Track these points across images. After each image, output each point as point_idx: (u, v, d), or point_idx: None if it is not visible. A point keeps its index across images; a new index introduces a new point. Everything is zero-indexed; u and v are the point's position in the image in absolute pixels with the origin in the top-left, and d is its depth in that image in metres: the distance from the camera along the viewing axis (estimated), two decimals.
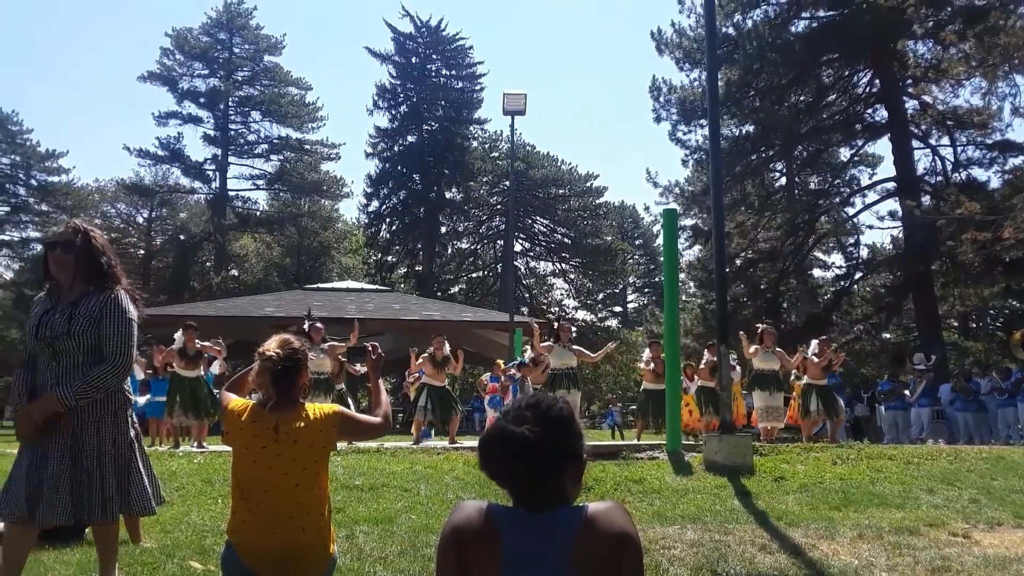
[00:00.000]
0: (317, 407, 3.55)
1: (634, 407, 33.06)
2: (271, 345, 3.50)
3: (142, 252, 50.19)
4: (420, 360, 11.49)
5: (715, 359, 12.69)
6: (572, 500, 1.90)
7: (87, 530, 4.89)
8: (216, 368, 13.31)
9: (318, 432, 3.46)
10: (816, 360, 11.28)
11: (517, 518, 1.84)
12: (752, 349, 11.53)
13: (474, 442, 10.73)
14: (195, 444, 11.02)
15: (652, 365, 11.93)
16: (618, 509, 1.85)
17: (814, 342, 11.62)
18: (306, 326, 10.51)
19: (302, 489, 3.38)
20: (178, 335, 10.81)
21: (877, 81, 25.01)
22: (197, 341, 10.80)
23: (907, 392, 16.05)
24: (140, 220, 50.72)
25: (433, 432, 12.96)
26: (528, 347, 13.94)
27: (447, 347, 11.31)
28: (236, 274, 47.98)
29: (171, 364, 10.96)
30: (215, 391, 12.65)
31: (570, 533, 1.79)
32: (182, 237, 48.05)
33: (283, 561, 3.32)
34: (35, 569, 3.91)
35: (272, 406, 3.42)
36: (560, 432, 1.86)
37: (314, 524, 3.40)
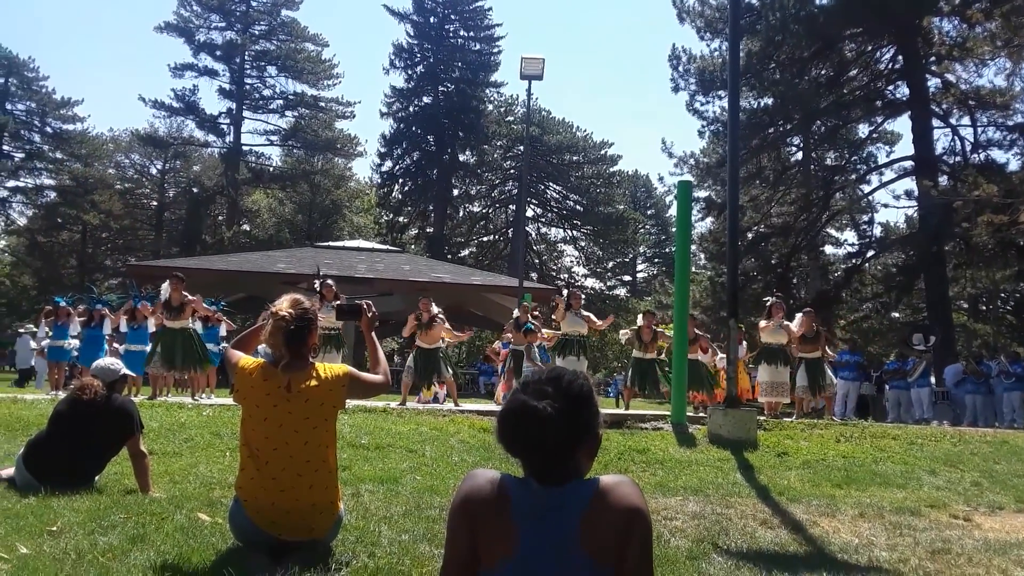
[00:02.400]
0: (328, 367, 3.58)
1: None
2: (283, 305, 3.52)
3: (155, 204, 50.23)
4: (410, 322, 11.24)
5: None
6: (584, 473, 1.91)
7: (96, 477, 4.97)
8: (223, 329, 13.35)
9: (329, 391, 3.49)
10: (794, 329, 11.23)
11: (529, 490, 1.85)
12: (762, 324, 11.51)
13: (480, 405, 10.79)
14: (193, 396, 11.01)
15: (629, 333, 11.94)
16: (629, 484, 1.86)
17: (798, 316, 11.58)
18: (317, 284, 10.52)
19: (311, 447, 3.42)
20: (165, 286, 10.59)
21: (900, 57, 24.64)
22: (185, 293, 10.56)
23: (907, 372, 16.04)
24: (154, 171, 50.68)
25: (422, 393, 12.82)
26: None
27: (434, 308, 11.17)
28: (248, 229, 48.00)
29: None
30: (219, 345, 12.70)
31: (581, 506, 1.81)
32: (195, 190, 48.03)
33: (290, 518, 3.36)
34: (45, 515, 3.97)
35: (284, 365, 3.45)
36: (580, 408, 1.85)
37: (322, 482, 3.45)
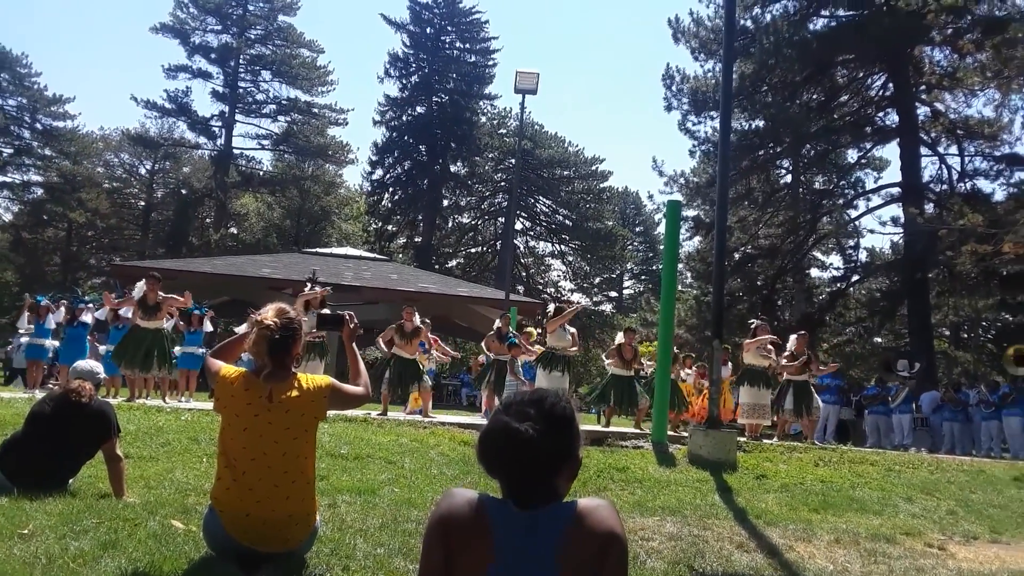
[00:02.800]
0: (310, 378, 3.56)
1: None
2: (268, 314, 3.51)
3: (143, 204, 50.00)
4: (388, 331, 11.12)
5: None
6: (563, 496, 1.91)
7: (71, 480, 4.92)
8: (208, 326, 13.25)
9: (310, 402, 3.47)
10: (786, 355, 11.29)
11: (508, 511, 1.85)
12: (747, 342, 11.56)
13: (460, 418, 10.75)
14: (164, 398, 10.83)
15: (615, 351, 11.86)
16: (607, 508, 1.86)
17: (793, 337, 11.66)
18: (307, 288, 10.47)
19: (289, 458, 3.40)
20: (140, 284, 10.38)
21: (891, 85, 24.90)
22: (160, 293, 10.36)
23: (889, 398, 16.09)
24: (143, 171, 50.46)
25: (409, 403, 12.72)
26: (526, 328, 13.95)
27: (417, 318, 11.10)
28: (235, 232, 47.83)
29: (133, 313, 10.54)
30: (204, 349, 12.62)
31: (559, 529, 1.81)
32: (184, 191, 47.85)
33: (266, 529, 3.34)
34: (17, 517, 3.93)
35: (267, 375, 3.43)
36: (561, 431, 1.86)
37: (298, 494, 3.43)
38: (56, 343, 12.90)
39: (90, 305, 12.68)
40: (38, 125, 46.50)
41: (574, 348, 11.43)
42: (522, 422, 1.82)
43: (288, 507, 3.38)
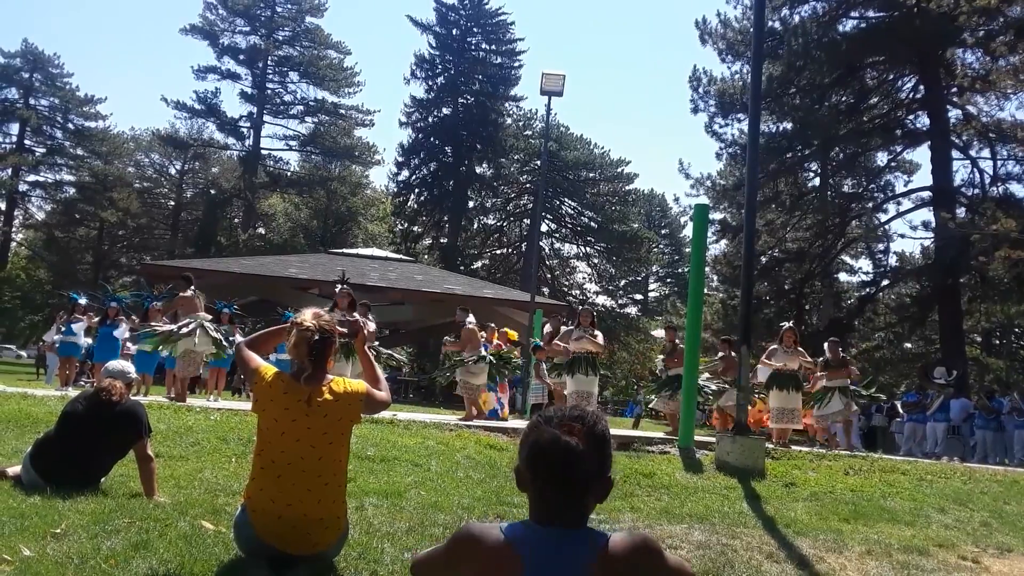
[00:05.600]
0: (346, 381, 3.60)
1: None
2: (306, 316, 3.57)
3: (172, 203, 50.64)
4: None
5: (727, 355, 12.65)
6: (589, 514, 1.92)
7: (102, 479, 4.97)
8: (239, 337, 13.36)
9: (347, 406, 3.51)
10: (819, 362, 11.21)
11: (535, 531, 1.86)
12: (771, 349, 11.44)
13: (487, 421, 10.73)
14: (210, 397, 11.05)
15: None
16: (650, 538, 1.92)
17: (826, 345, 11.56)
18: (337, 289, 10.53)
19: (325, 462, 3.43)
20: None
21: (922, 87, 24.61)
22: (188, 293, 10.75)
23: (926, 405, 15.88)
24: (172, 172, 51.11)
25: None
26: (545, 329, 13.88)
27: (470, 319, 11.30)
28: (263, 233, 48.24)
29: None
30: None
31: (591, 557, 1.82)
32: (212, 192, 48.36)
33: (296, 532, 3.36)
34: (50, 516, 3.97)
35: (307, 377, 3.48)
36: (601, 449, 1.88)
37: (330, 497, 3.45)
38: (89, 340, 13.06)
39: (120, 318, 12.83)
40: (70, 125, 47.22)
41: (600, 348, 11.38)
42: (571, 436, 1.84)
43: (320, 510, 3.40)
